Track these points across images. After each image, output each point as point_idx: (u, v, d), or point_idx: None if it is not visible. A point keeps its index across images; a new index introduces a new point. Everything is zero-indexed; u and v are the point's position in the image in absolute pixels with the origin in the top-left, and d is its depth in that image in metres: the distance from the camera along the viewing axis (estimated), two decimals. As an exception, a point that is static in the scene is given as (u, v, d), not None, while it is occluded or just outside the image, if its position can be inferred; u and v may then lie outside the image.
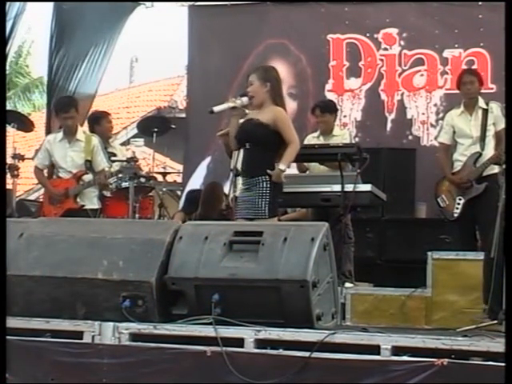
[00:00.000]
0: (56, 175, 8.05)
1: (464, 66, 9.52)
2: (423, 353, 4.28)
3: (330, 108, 8.31)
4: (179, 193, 11.44)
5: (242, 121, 6.36)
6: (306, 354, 4.35)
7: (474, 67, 9.33)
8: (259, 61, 9.88)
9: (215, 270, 4.76)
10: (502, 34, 5.33)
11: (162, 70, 28.66)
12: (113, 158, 8.47)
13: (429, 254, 6.92)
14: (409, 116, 10.08)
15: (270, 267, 4.67)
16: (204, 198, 8.60)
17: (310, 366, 4.34)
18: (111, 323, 4.75)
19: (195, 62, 11.04)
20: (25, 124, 9.49)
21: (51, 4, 10.40)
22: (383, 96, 10.15)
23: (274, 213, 6.18)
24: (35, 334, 4.82)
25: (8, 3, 9.02)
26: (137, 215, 8.55)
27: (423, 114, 10.02)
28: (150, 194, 9.28)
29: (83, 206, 7.77)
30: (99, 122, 8.94)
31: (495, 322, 5.31)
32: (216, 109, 6.37)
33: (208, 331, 4.57)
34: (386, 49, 10.17)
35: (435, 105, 9.98)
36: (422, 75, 10.04)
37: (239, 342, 4.52)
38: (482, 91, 7.80)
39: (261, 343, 4.52)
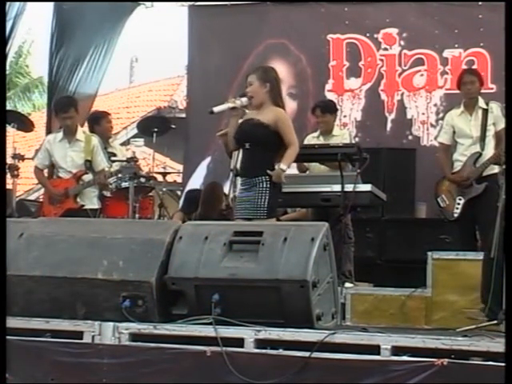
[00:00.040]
0: (56, 175, 8.05)
1: (464, 66, 9.52)
2: (423, 353, 4.28)
3: (331, 108, 8.30)
4: (179, 193, 11.44)
5: (240, 121, 6.36)
6: (306, 354, 4.36)
7: (474, 67, 9.32)
8: (259, 61, 9.88)
9: (215, 270, 4.76)
10: (502, 34, 5.33)
11: (162, 69, 28.62)
12: (113, 158, 8.48)
13: (429, 254, 6.91)
14: (409, 116, 10.08)
15: (270, 267, 4.67)
16: (204, 198, 8.60)
17: (310, 365, 4.34)
18: (111, 323, 4.75)
19: (195, 62, 11.04)
20: (25, 124, 9.49)
21: (51, 4, 10.41)
22: (383, 96, 10.14)
23: (272, 213, 6.18)
24: (35, 334, 4.82)
25: (8, 3, 9.02)
26: (137, 215, 8.54)
27: (423, 113, 10.02)
28: (150, 194, 9.28)
29: (83, 205, 7.77)
30: (99, 122, 8.94)
31: (495, 321, 5.31)
32: (216, 109, 6.38)
33: (208, 331, 4.57)
34: (385, 49, 10.17)
35: (435, 105, 9.98)
36: (422, 75, 10.04)
37: (239, 341, 4.53)
38: (482, 91, 7.81)
39: (261, 343, 4.52)
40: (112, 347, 4.69)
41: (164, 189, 10.12)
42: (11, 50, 11.00)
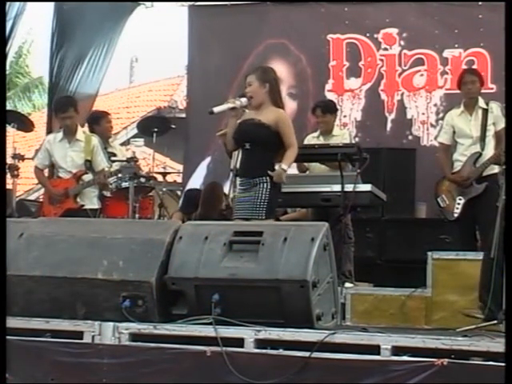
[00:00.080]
0: (56, 175, 8.05)
1: (464, 66, 9.52)
2: (423, 353, 4.28)
3: (331, 108, 8.30)
4: (179, 193, 11.44)
5: (239, 121, 6.36)
6: (306, 354, 4.36)
7: (474, 67, 9.33)
8: (259, 61, 9.88)
9: (215, 270, 4.76)
10: (502, 34, 5.33)
11: (162, 69, 28.68)
12: (113, 158, 8.48)
13: (429, 254, 6.91)
14: (409, 116, 10.08)
15: (270, 267, 4.67)
16: (204, 198, 8.60)
17: (310, 365, 4.34)
18: (111, 323, 4.75)
19: (195, 62, 11.04)
20: (25, 124, 9.49)
21: (51, 4, 10.42)
22: (383, 96, 10.14)
23: (270, 215, 6.17)
24: (35, 334, 4.82)
25: (8, 3, 9.02)
26: (137, 215, 8.54)
27: (423, 113, 10.02)
28: (150, 194, 9.28)
29: (83, 205, 7.77)
30: (98, 122, 8.93)
31: (495, 321, 5.31)
32: (216, 109, 6.37)
33: (208, 331, 4.57)
34: (386, 49, 10.17)
35: (435, 105, 9.98)
36: (421, 75, 10.04)
37: (239, 342, 4.53)
38: (482, 91, 7.81)
39: (261, 343, 4.52)
40: (112, 347, 4.69)
41: (164, 189, 10.12)
42: (11, 50, 11.00)
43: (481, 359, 4.23)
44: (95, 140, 7.95)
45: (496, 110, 7.53)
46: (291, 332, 4.50)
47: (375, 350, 4.35)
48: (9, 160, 8.59)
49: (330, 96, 10.11)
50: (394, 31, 10.12)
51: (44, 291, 4.94)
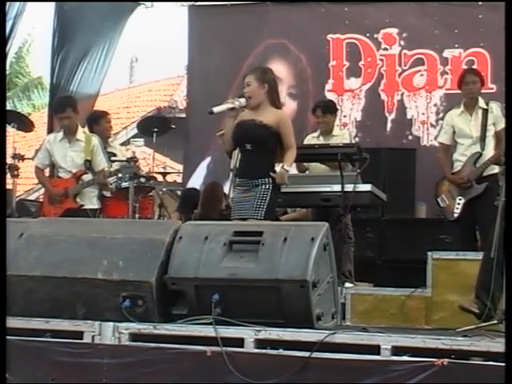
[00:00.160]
0: (56, 175, 8.05)
1: (464, 66, 9.52)
2: (423, 353, 4.28)
3: (331, 108, 8.30)
4: (179, 193, 11.44)
5: (237, 121, 6.34)
6: (306, 354, 4.36)
7: (474, 67, 9.33)
8: (259, 61, 9.89)
9: (215, 270, 4.76)
10: (502, 34, 5.33)
11: (162, 69, 28.63)
12: (113, 158, 8.48)
13: (429, 254, 6.90)
14: (409, 116, 10.08)
15: (270, 267, 4.67)
16: (204, 198, 8.60)
17: (310, 365, 4.34)
18: (111, 323, 4.75)
19: (195, 62, 11.04)
20: (25, 124, 9.48)
21: (51, 4, 10.42)
22: (383, 96, 10.15)
23: (269, 216, 6.16)
24: (35, 334, 4.82)
25: (8, 3, 9.02)
26: (137, 215, 8.54)
27: (423, 114, 10.02)
28: (150, 193, 9.28)
29: (82, 205, 7.77)
30: (98, 122, 8.92)
31: (495, 322, 5.32)
32: (216, 109, 6.37)
33: (208, 331, 4.57)
34: (386, 49, 10.17)
35: (435, 105, 9.98)
36: (421, 75, 10.04)
37: (239, 342, 4.53)
38: (482, 91, 7.81)
39: (261, 343, 4.52)
40: (112, 347, 4.69)
41: (164, 189, 10.11)
42: (11, 50, 11.00)
43: (481, 359, 4.23)
44: (95, 140, 7.95)
45: (496, 110, 7.53)
46: (291, 332, 4.50)
47: (375, 350, 4.35)
48: (9, 160, 8.59)
49: (330, 96, 10.11)
50: (394, 31, 10.13)
51: (44, 291, 4.94)
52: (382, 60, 10.18)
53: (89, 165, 7.84)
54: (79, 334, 4.77)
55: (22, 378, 4.71)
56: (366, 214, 8.46)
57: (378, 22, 10.16)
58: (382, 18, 10.14)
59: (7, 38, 9.21)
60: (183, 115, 12.55)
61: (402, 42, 10.10)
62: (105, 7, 10.32)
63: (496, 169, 7.35)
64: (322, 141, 8.02)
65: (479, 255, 6.18)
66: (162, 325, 4.73)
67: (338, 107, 9.14)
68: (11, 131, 9.17)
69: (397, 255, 8.65)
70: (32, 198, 13.92)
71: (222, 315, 4.62)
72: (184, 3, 10.95)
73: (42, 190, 8.93)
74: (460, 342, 4.32)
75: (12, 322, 4.76)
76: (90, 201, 7.84)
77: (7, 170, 8.46)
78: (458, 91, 7.91)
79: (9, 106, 17.07)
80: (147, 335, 4.70)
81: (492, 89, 9.35)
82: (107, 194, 8.36)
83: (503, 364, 4.03)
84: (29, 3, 9.72)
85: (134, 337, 4.72)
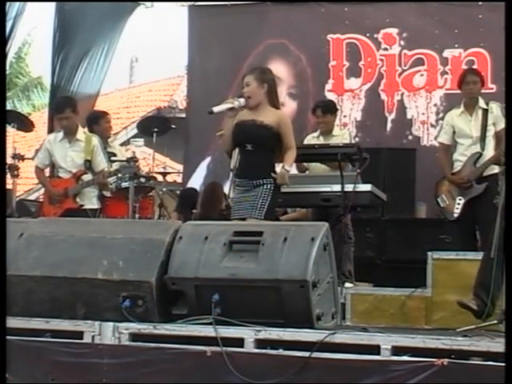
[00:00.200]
0: (56, 175, 8.05)
1: (464, 66, 9.52)
2: (423, 353, 4.28)
3: (331, 108, 8.30)
4: (179, 193, 11.44)
5: (236, 121, 6.34)
6: (306, 354, 4.36)
7: (474, 67, 9.33)
8: (259, 61, 9.89)
9: (215, 270, 4.76)
10: (502, 34, 5.33)
11: (162, 69, 28.60)
12: (113, 158, 8.48)
13: (429, 254, 6.90)
14: (409, 116, 10.08)
15: (270, 267, 4.67)
16: (204, 198, 8.60)
17: (310, 365, 4.34)
18: (111, 323, 4.75)
19: (195, 62, 11.04)
20: (25, 124, 9.49)
21: (51, 4, 10.43)
22: (383, 96, 10.15)
23: (269, 216, 6.16)
24: (35, 334, 4.82)
25: (8, 3, 9.02)
26: (137, 215, 8.55)
27: (423, 114, 10.02)
28: (150, 194, 9.28)
29: (82, 205, 7.77)
30: (98, 122, 8.92)
31: (495, 322, 5.32)
32: (215, 109, 6.37)
33: (208, 331, 4.57)
34: (386, 49, 10.17)
35: (435, 105, 9.98)
36: (421, 75, 10.04)
37: (239, 342, 4.52)
38: (482, 91, 7.81)
39: (261, 343, 4.52)
40: (112, 347, 4.69)
41: (164, 189, 10.12)
42: (11, 50, 11.00)
43: (481, 359, 4.23)
44: (95, 140, 7.95)
45: (496, 110, 7.53)
46: (291, 332, 4.50)
47: (375, 349, 4.34)
48: (9, 160, 8.59)
49: (330, 96, 10.11)
50: (394, 31, 10.13)
51: (44, 291, 4.94)
52: (382, 60, 10.18)
53: (89, 165, 7.84)
54: (79, 334, 4.77)
55: (22, 377, 4.71)
56: (366, 214, 8.46)
57: (378, 21, 10.16)
58: (381, 17, 10.15)
59: (7, 38, 9.22)
60: (183, 115, 12.55)
61: (402, 42, 10.10)
62: (105, 7, 10.32)
63: (496, 169, 7.35)
64: (321, 141, 8.02)
65: (479, 255, 6.18)
66: (162, 325, 4.73)
67: (338, 107, 9.13)
68: (11, 131, 9.18)
69: (397, 255, 8.65)
70: (32, 197, 13.92)
71: (222, 315, 4.62)
72: (184, 3, 10.95)
73: (42, 190, 8.93)
74: (460, 342, 4.32)
75: (12, 322, 4.76)
76: (90, 201, 7.84)
77: (7, 170, 8.46)
78: (458, 91, 7.91)
79: (9, 106, 17.08)
80: (147, 335, 4.70)
81: (492, 89, 9.35)
82: (107, 194, 8.36)
83: (503, 364, 4.02)
84: (29, 3, 9.73)
85: (134, 337, 4.72)
